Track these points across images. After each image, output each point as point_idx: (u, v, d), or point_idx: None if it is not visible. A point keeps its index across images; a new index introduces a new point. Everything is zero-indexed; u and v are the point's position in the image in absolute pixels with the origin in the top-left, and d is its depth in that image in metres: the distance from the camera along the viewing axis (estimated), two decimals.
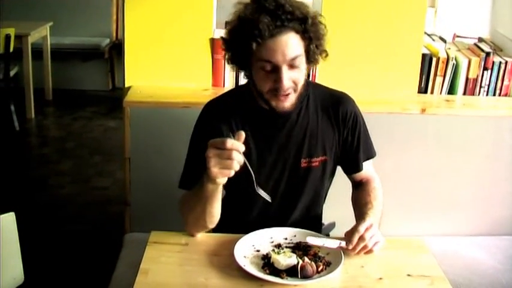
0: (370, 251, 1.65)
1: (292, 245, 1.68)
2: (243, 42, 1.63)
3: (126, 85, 2.64)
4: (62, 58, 5.88)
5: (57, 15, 5.71)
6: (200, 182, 1.61)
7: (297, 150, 1.82)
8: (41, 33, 5.42)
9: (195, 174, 1.67)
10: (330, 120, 1.86)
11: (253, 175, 1.60)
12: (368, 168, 1.96)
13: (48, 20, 5.53)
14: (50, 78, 5.67)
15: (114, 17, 5.96)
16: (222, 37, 1.76)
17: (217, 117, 1.80)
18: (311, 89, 1.83)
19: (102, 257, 2.98)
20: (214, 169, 1.50)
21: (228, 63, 1.78)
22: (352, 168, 1.94)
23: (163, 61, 2.64)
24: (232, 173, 1.51)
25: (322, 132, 1.84)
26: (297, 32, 1.64)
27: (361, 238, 1.63)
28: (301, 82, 1.70)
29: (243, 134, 1.50)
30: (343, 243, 1.64)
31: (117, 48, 5.74)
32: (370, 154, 1.95)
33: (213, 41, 2.63)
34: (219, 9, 2.76)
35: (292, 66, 1.65)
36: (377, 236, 1.66)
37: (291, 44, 1.63)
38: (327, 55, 1.75)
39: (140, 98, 2.53)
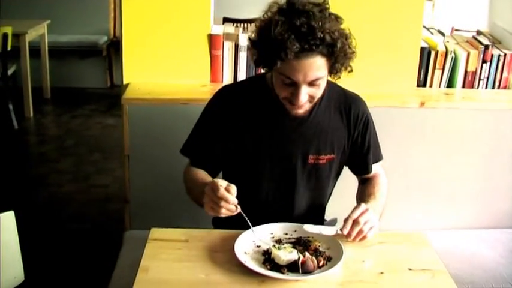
0: (365, 237, 1.65)
1: (292, 240, 1.68)
2: (268, 57, 1.63)
3: (124, 82, 2.63)
4: (60, 56, 5.87)
5: (54, 13, 5.70)
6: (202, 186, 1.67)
7: (305, 146, 1.82)
8: (39, 32, 5.40)
9: (196, 146, 1.87)
10: (341, 120, 1.86)
11: (250, 224, 1.66)
12: (376, 169, 1.98)
13: (45, 18, 5.52)
14: (48, 76, 5.67)
15: (112, 15, 5.96)
16: (249, 38, 1.75)
17: (226, 107, 1.83)
18: (326, 87, 1.80)
19: (102, 254, 2.97)
20: (208, 208, 1.63)
21: (252, 59, 1.77)
22: (360, 169, 1.96)
23: (161, 58, 2.63)
24: (222, 216, 1.60)
25: (333, 131, 1.84)
26: (324, 55, 1.61)
27: (356, 222, 1.63)
28: (318, 96, 1.70)
29: (233, 188, 1.58)
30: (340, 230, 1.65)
31: (115, 46, 5.74)
32: (378, 158, 1.97)
33: (211, 37, 2.62)
34: (216, 5, 2.76)
35: (312, 84, 1.65)
36: (372, 221, 1.66)
37: (315, 67, 1.61)
38: (351, 70, 1.71)
39: (138, 95, 2.52)
